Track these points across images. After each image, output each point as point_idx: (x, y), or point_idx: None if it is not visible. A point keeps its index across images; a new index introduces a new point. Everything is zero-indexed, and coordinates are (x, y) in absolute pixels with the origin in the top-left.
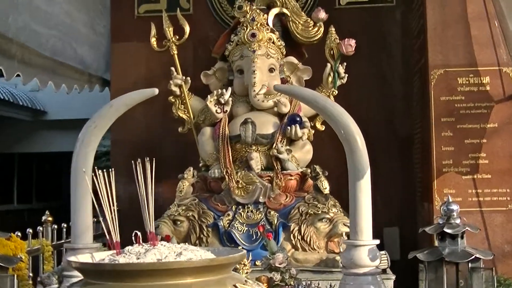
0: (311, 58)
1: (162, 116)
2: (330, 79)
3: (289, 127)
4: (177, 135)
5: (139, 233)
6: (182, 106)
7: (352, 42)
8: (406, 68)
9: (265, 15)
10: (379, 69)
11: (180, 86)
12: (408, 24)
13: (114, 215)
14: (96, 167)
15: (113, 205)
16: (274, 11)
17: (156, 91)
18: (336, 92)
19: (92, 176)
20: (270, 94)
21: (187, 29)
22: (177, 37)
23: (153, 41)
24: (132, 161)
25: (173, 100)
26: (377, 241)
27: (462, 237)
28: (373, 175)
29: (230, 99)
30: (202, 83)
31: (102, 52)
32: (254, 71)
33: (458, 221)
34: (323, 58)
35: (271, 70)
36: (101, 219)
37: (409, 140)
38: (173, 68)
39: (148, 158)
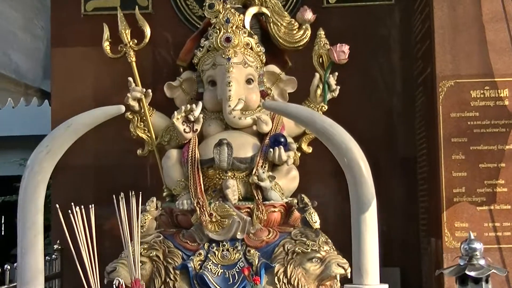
0: (295, 67)
1: (117, 136)
2: (319, 91)
3: (271, 150)
4: (136, 159)
5: (121, 281)
6: (142, 124)
7: (345, 48)
8: (407, 79)
9: (241, 16)
10: (374, 79)
11: (139, 100)
12: (410, 27)
13: (94, 257)
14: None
15: (92, 247)
16: (252, 11)
17: (122, 108)
18: (326, 107)
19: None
20: (248, 110)
21: (147, 31)
22: (135, 41)
23: (106, 45)
24: (114, 195)
25: (130, 117)
26: (386, 286)
27: (487, 281)
28: None
29: (201, 116)
30: (165, 96)
31: (40, 58)
32: (229, 83)
33: (482, 262)
34: (310, 66)
35: (249, 81)
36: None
37: (412, 164)
38: (130, 79)
39: (132, 193)
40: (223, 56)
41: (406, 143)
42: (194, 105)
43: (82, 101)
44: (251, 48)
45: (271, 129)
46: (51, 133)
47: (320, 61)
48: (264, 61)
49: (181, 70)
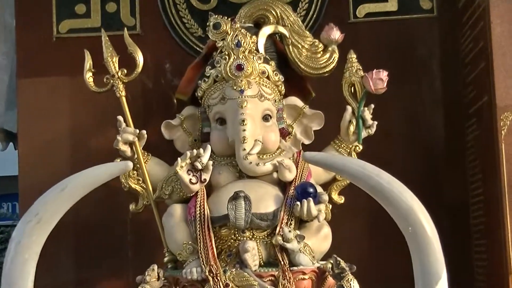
0: (320, 98)
1: (103, 187)
2: (351, 128)
3: (298, 203)
4: (128, 216)
5: None
6: (135, 173)
7: (383, 75)
8: (454, 108)
9: (254, 38)
10: (412, 109)
11: (131, 144)
12: (457, 45)
13: None
14: None
15: None
16: (267, 31)
17: (130, 165)
18: (361, 147)
19: None
20: (266, 153)
21: (139, 58)
22: (125, 71)
23: (89, 77)
24: None
25: None
26: None
27: None
28: None
29: (210, 162)
30: (160, 137)
31: (2, 92)
32: (243, 121)
33: None
34: (338, 97)
35: (266, 118)
36: None
37: (463, 213)
38: (120, 118)
39: None
40: (235, 87)
41: (454, 187)
42: (201, 150)
43: (55, 143)
44: (268, 77)
45: (296, 176)
46: (42, 198)
47: (352, 90)
48: (283, 92)
49: (175, 101)
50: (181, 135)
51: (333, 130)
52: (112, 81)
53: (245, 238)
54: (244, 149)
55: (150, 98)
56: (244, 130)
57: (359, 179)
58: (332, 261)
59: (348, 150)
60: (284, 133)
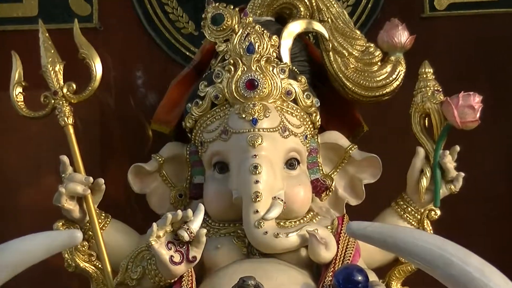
0: (373, 131)
1: (42, 265)
2: (424, 182)
3: None
4: None
5: None
6: (87, 245)
7: (475, 100)
8: None
9: (276, 39)
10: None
11: (81, 200)
12: None
13: None
14: None
15: None
16: (295, 29)
17: (78, 238)
18: (438, 213)
19: None
20: (291, 219)
21: (96, 67)
22: (73, 85)
23: (17, 94)
24: None
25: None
26: None
27: None
28: None
29: (204, 231)
30: (128, 190)
31: None
32: (255, 168)
33: None
34: (400, 130)
35: (291, 163)
36: None
37: None
38: (64, 158)
39: None
40: (244, 115)
41: None
42: (189, 211)
43: None
44: (295, 100)
45: (336, 256)
46: None
47: (426, 123)
48: (319, 124)
49: (150, 134)
50: (159, 187)
51: (394, 183)
52: (53, 101)
53: None
54: (257, 212)
55: (112, 128)
56: (257, 181)
57: (433, 264)
58: None
59: (419, 217)
60: (319, 188)
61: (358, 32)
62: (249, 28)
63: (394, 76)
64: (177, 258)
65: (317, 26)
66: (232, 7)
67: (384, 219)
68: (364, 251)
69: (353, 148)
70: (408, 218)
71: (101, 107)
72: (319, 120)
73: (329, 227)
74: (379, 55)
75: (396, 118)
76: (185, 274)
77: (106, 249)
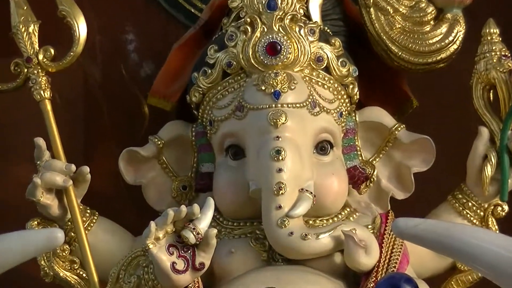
0: (424, 108)
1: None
2: (489, 170)
3: None
4: None
5: None
6: (68, 249)
7: None
8: None
9: None
10: None
11: (60, 193)
12: None
13: None
14: None
15: None
16: None
17: (58, 237)
18: (506, 208)
19: None
20: (322, 216)
21: (79, 29)
22: (52, 51)
23: None
24: None
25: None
26: None
27: None
28: None
29: (214, 232)
30: (119, 179)
31: None
32: (278, 152)
33: None
34: (458, 105)
35: (323, 147)
36: None
37: None
38: (40, 141)
39: None
40: (263, 87)
41: None
42: (196, 207)
43: None
44: (327, 69)
45: (380, 261)
46: None
47: (490, 97)
48: (357, 98)
49: (146, 111)
50: (158, 176)
51: (450, 172)
52: (26, 69)
53: None
54: (280, 207)
55: (99, 104)
56: (280, 170)
57: (500, 271)
58: None
59: (482, 214)
60: (358, 178)
61: None
62: None
63: (450, 38)
64: (180, 265)
65: None
66: None
67: (438, 216)
68: (414, 256)
69: (399, 128)
70: (468, 215)
71: (85, 78)
72: (358, 93)
73: (369, 226)
74: (433, 12)
75: (452, 91)
76: (190, 285)
77: (92, 254)
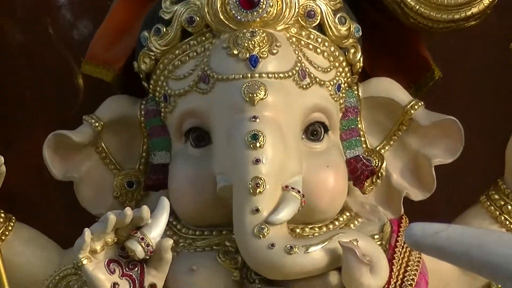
0: (449, 80)
1: None
2: None
3: None
4: None
5: None
6: None
7: None
8: None
9: None
10: None
11: None
12: None
13: None
14: None
15: None
16: None
17: None
18: None
19: None
20: (313, 223)
21: None
22: None
23: None
24: None
25: None
26: None
27: None
28: None
29: (169, 243)
30: (43, 174)
31: None
32: (255, 137)
33: None
34: (493, 77)
35: (314, 131)
36: None
37: None
38: None
39: None
40: (235, 51)
41: None
42: (145, 209)
43: None
44: (320, 27)
45: (389, 283)
46: None
47: None
48: (361, 66)
49: (81, 82)
50: (95, 169)
51: (481, 165)
52: None
53: None
54: (257, 210)
55: (19, 73)
56: (258, 161)
57: None
58: None
59: None
60: (361, 172)
61: None
62: None
63: None
64: (124, 286)
65: None
66: None
67: (468, 223)
68: (435, 275)
69: (417, 106)
70: (507, 222)
71: (2, 39)
72: (361, 60)
73: (376, 236)
74: None
75: (486, 58)
76: None
77: (6, 270)
